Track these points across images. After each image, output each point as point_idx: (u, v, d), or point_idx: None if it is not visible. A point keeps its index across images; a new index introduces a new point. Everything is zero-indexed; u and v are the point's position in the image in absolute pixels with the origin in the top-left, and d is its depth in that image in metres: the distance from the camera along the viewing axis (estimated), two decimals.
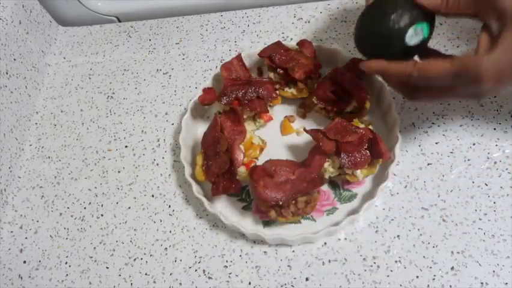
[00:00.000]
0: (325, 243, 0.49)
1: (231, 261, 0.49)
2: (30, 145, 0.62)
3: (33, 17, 0.68)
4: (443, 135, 0.55)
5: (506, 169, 0.52)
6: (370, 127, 0.52)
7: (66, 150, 0.61)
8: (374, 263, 0.48)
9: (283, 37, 0.69)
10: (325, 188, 0.53)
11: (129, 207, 0.55)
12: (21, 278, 0.51)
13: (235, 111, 0.53)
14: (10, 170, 0.58)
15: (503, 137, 0.53)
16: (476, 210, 0.49)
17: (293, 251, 0.49)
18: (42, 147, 0.62)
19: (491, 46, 0.38)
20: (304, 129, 0.54)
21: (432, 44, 0.63)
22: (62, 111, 0.65)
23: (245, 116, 0.56)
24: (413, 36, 0.42)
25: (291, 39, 0.68)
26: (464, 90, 0.40)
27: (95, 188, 0.57)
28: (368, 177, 0.51)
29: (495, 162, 0.52)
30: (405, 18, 0.42)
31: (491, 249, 0.47)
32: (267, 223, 0.51)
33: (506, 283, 0.45)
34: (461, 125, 0.55)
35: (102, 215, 0.55)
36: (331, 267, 0.48)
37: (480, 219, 0.49)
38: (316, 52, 0.60)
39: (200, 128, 0.59)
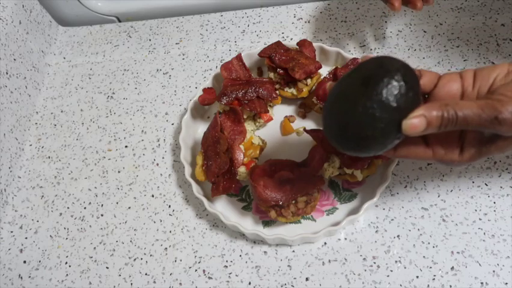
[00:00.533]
0: (325, 243, 0.49)
1: (231, 261, 0.49)
2: (30, 145, 0.62)
3: (33, 17, 0.68)
4: None
5: (506, 169, 0.52)
6: None
7: (66, 150, 0.61)
8: (374, 263, 0.48)
9: (283, 37, 0.69)
10: (325, 188, 0.53)
11: (129, 207, 0.55)
12: (21, 278, 0.51)
13: (235, 111, 0.53)
14: (10, 170, 0.58)
15: None
16: (476, 210, 0.49)
17: (293, 251, 0.49)
18: (42, 147, 0.62)
19: (481, 150, 0.37)
20: (304, 129, 0.54)
21: (432, 44, 0.64)
22: (62, 111, 0.65)
23: (245, 116, 0.56)
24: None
25: (291, 39, 0.68)
26: None
27: (95, 188, 0.57)
28: (368, 177, 0.51)
29: (495, 162, 0.52)
30: (391, 137, 0.35)
31: (491, 249, 0.47)
32: (267, 223, 0.51)
33: (506, 283, 0.45)
34: None
35: (102, 215, 0.55)
36: (331, 267, 0.48)
37: (480, 219, 0.49)
38: (316, 52, 0.60)
39: (200, 128, 0.60)
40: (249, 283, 0.48)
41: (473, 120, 0.33)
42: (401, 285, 0.46)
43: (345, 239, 0.49)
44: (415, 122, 0.34)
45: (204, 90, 0.58)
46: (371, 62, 0.36)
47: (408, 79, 0.34)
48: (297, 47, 0.60)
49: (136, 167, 0.58)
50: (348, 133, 0.35)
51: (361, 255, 0.48)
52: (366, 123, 0.34)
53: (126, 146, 0.60)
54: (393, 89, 0.33)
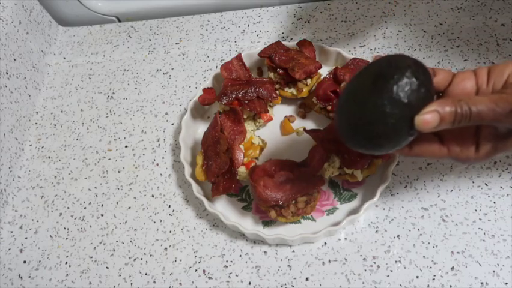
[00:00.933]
0: (325, 243, 0.49)
1: (231, 261, 0.49)
2: (30, 145, 0.62)
3: (33, 17, 0.68)
4: None
5: (506, 169, 0.52)
6: None
7: (66, 150, 0.61)
8: (374, 263, 0.48)
9: (283, 37, 0.69)
10: (325, 188, 0.53)
11: (129, 207, 0.55)
12: (21, 278, 0.51)
13: (235, 111, 0.53)
14: (10, 170, 0.58)
15: None
16: (476, 210, 0.49)
17: (293, 251, 0.49)
18: (42, 147, 0.62)
19: (497, 146, 0.36)
20: (304, 129, 0.54)
21: (432, 44, 0.64)
22: (62, 111, 0.65)
23: (245, 116, 0.56)
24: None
25: (291, 39, 0.68)
26: None
27: (95, 188, 0.57)
28: (368, 177, 0.51)
29: (495, 162, 0.52)
30: (404, 134, 0.35)
31: (491, 249, 0.47)
32: (267, 223, 0.51)
33: (506, 283, 0.45)
34: None
35: (102, 215, 0.55)
36: (331, 267, 0.48)
37: (480, 219, 0.49)
38: (316, 52, 0.60)
39: (200, 128, 0.60)
40: (249, 283, 0.48)
41: (488, 115, 0.33)
42: (401, 285, 0.46)
43: (345, 239, 0.49)
44: (428, 117, 0.34)
45: (204, 90, 0.58)
46: (381, 60, 0.36)
47: (419, 76, 0.34)
48: (297, 47, 0.60)
49: (136, 167, 0.58)
50: (360, 131, 0.36)
51: (361, 255, 0.48)
52: (377, 120, 0.34)
53: (126, 146, 0.60)
54: (403, 85, 0.33)
